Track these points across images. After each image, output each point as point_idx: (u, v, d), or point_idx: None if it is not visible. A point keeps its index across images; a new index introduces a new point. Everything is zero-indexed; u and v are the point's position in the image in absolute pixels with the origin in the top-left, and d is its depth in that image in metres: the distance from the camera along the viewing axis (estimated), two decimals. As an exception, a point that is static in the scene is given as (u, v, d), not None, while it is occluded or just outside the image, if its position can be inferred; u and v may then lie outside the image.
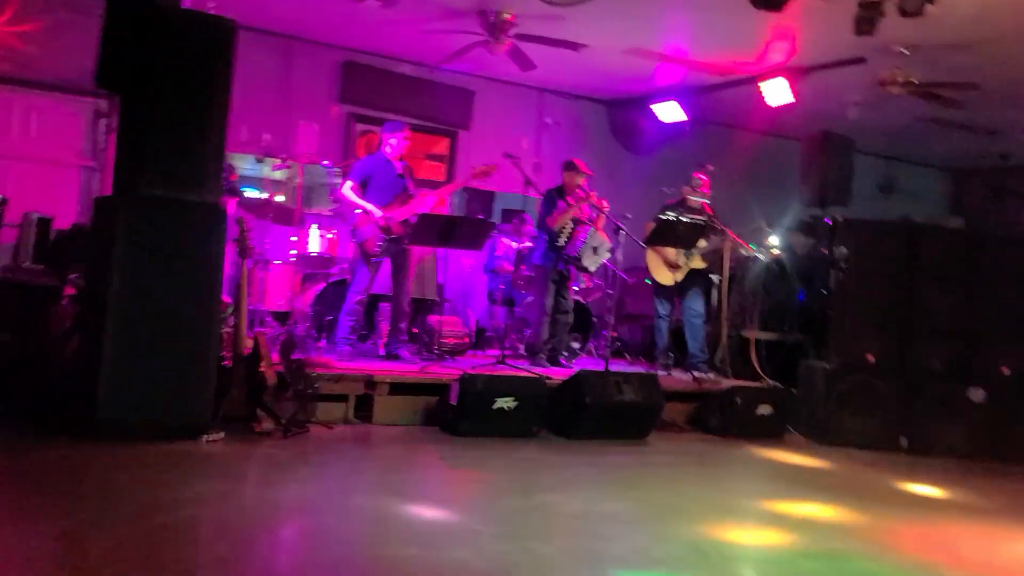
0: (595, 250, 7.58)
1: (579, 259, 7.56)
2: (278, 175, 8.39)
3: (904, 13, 5.80)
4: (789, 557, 4.13)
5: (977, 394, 7.24)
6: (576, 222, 7.59)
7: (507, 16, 7.41)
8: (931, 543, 4.60)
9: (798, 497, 5.37)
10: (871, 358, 7.32)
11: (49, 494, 4.07)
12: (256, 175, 8.93)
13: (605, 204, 7.57)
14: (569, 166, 7.74)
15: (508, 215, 9.49)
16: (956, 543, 4.65)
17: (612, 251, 7.57)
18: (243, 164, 8.65)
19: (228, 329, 6.04)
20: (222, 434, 5.28)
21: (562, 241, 7.55)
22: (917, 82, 7.92)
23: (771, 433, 7.24)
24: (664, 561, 3.90)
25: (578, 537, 4.20)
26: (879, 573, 3.94)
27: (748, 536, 4.46)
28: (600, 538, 4.15)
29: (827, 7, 6.32)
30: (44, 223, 6.91)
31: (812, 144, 8.26)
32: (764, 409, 7.22)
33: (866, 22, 5.97)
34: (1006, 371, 7.29)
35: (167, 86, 5.11)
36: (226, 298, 6.09)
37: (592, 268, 7.76)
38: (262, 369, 5.61)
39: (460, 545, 3.88)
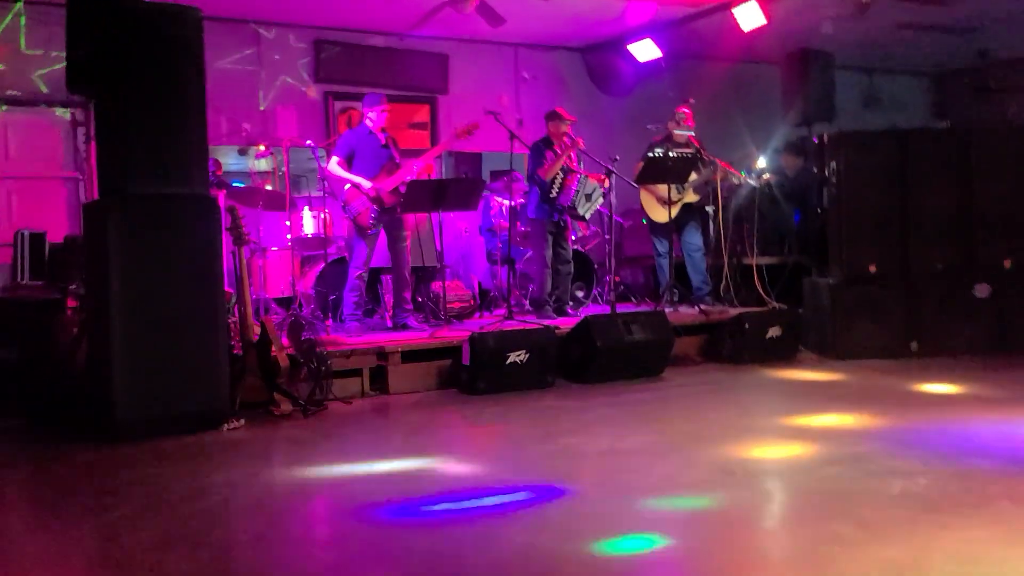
0: (588, 197, 7.58)
1: (574, 208, 7.56)
2: (263, 164, 8.38)
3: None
4: (814, 465, 4.19)
5: (982, 290, 7.27)
6: (566, 171, 7.59)
7: (471, -28, 7.34)
8: (952, 436, 4.65)
9: (816, 410, 5.42)
10: (873, 268, 7.34)
11: (79, 496, 4.12)
12: (241, 168, 8.93)
13: (580, 142, 7.56)
14: (552, 115, 7.72)
15: (497, 175, 9.47)
16: (978, 433, 4.70)
17: (605, 195, 7.57)
18: (227, 159, 8.64)
19: (233, 319, 6.08)
20: (242, 421, 5.33)
21: (555, 192, 7.55)
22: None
23: (783, 354, 7.29)
24: (692, 485, 3.95)
25: (606, 473, 4.25)
26: (904, 469, 3.98)
27: (772, 451, 4.52)
28: (627, 471, 4.20)
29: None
30: (36, 239, 6.92)
31: (791, 64, 8.23)
32: (774, 331, 7.27)
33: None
34: (1008, 264, 7.31)
35: (139, 83, 5.07)
36: (228, 289, 6.12)
37: (587, 216, 7.76)
38: (273, 353, 5.65)
39: (492, 495, 3.93)
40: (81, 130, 8.09)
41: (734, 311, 7.62)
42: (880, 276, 7.35)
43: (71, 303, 6.52)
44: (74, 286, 6.56)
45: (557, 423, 5.39)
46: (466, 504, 3.77)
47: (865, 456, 4.26)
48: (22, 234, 6.86)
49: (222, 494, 4.00)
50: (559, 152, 7.60)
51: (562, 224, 7.76)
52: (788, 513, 3.68)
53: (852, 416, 5.23)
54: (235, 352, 5.69)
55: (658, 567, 3.10)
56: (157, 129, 5.13)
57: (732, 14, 8.77)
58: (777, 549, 3.28)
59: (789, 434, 4.87)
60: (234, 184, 7.92)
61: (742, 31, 8.83)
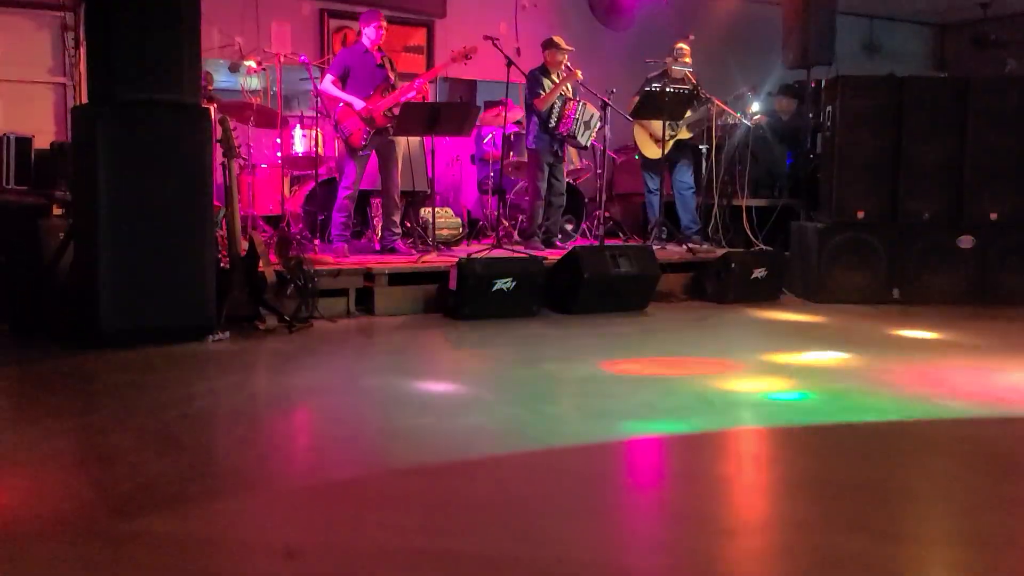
0: (587, 124, 7.56)
1: (574, 136, 7.53)
2: (255, 82, 8.23)
3: None
4: (790, 399, 4.26)
5: (966, 241, 7.32)
6: (564, 99, 7.53)
7: None
8: (926, 378, 4.74)
9: (796, 348, 5.50)
10: (861, 214, 7.37)
11: (65, 397, 4.16)
12: (232, 86, 8.78)
13: (578, 73, 7.51)
14: (549, 43, 7.63)
15: (491, 104, 9.38)
16: (950, 377, 4.79)
17: (602, 121, 7.54)
18: (218, 76, 8.49)
19: (221, 232, 6.06)
20: (227, 334, 5.35)
21: (553, 122, 7.50)
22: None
23: (767, 296, 7.35)
24: (671, 411, 4.03)
25: (585, 397, 4.32)
26: (877, 406, 4.07)
27: (750, 384, 4.59)
28: (607, 396, 4.27)
29: None
30: (22, 143, 6.83)
31: (792, 4, 8.11)
32: (759, 273, 7.30)
33: None
34: (994, 217, 7.35)
35: (132, -15, 4.98)
36: (217, 203, 6.09)
37: (587, 143, 7.74)
38: (261, 268, 5.65)
39: (472, 412, 4.00)
40: (70, 34, 7.92)
41: (721, 251, 7.66)
42: (868, 222, 7.38)
43: (56, 209, 6.49)
44: (61, 192, 6.52)
45: (540, 349, 5.45)
46: (446, 420, 3.83)
47: (840, 392, 4.34)
48: (7, 138, 6.76)
49: (205, 400, 4.05)
50: (556, 81, 7.54)
51: (559, 154, 7.73)
52: (760, 444, 3.76)
53: (830, 356, 5.31)
54: (222, 266, 5.68)
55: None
56: (148, 35, 5.04)
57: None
58: (743, 477, 3.36)
59: (767, 369, 4.95)
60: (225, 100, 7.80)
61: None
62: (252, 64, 7.84)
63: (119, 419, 3.71)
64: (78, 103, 7.66)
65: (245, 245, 5.73)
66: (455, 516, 2.78)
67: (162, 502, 2.81)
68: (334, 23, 9.13)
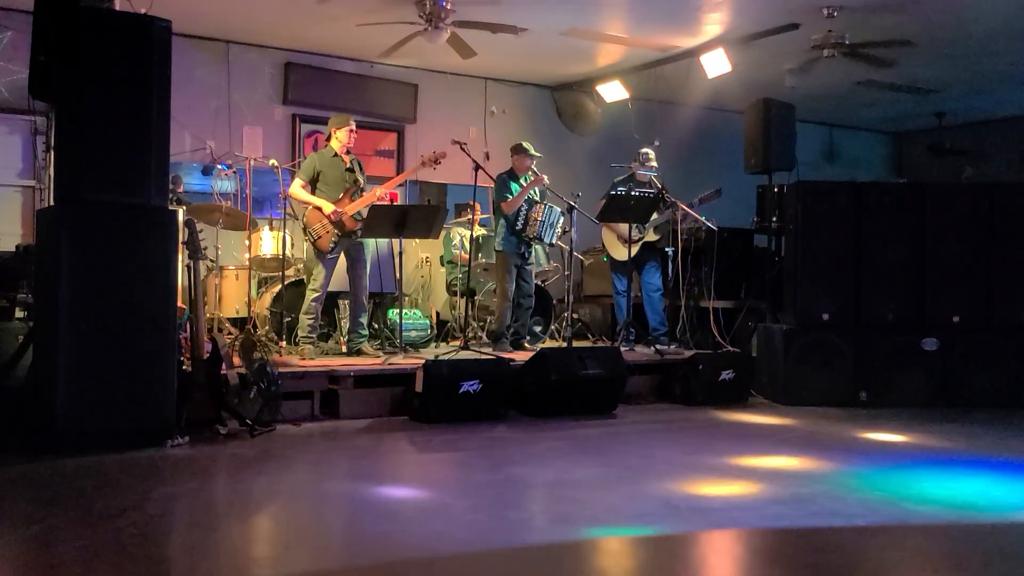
0: (552, 225, 7.69)
1: (540, 238, 7.64)
2: (226, 185, 8.31)
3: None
4: (757, 504, 4.20)
5: (931, 343, 7.39)
6: (530, 203, 7.65)
7: (445, 4, 7.41)
8: (894, 482, 4.70)
9: (763, 452, 5.46)
10: (826, 316, 7.45)
11: (13, 504, 4.01)
12: (204, 188, 8.85)
13: (544, 179, 7.67)
14: (518, 148, 7.80)
15: (461, 208, 9.51)
16: (917, 481, 4.76)
17: (566, 225, 7.67)
18: (190, 178, 8.56)
19: (185, 334, 6.00)
20: (187, 438, 5.23)
21: (520, 224, 7.60)
22: (848, 43, 8.08)
23: (735, 397, 7.34)
24: (636, 517, 3.96)
25: (550, 503, 4.25)
26: (845, 512, 4.02)
27: (717, 489, 4.54)
28: (572, 502, 4.19)
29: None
30: (-13, 245, 6.80)
31: (754, 113, 8.37)
32: (727, 374, 7.32)
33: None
34: (956, 319, 7.45)
35: (101, 90, 5.02)
36: (181, 305, 6.04)
37: (551, 240, 7.85)
38: (223, 371, 5.57)
39: (435, 519, 3.91)
40: (41, 139, 7.99)
41: (689, 353, 7.68)
42: (832, 324, 7.45)
43: (19, 312, 6.41)
44: (23, 294, 6.45)
45: (506, 453, 5.37)
46: (409, 527, 3.73)
47: (808, 497, 4.29)
48: (-27, 239, 6.73)
49: (158, 508, 3.93)
50: (523, 186, 7.67)
51: (526, 256, 7.80)
52: (725, 550, 3.68)
53: (798, 459, 5.28)
54: (184, 368, 5.60)
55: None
56: (117, 137, 5.07)
57: (699, 61, 8.97)
58: (715, 583, 3.29)
59: (734, 473, 4.89)
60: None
61: (708, 78, 9.04)
62: (224, 167, 7.92)
63: (68, 529, 3.57)
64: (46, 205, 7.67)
65: (209, 347, 5.67)
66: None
67: (105, 619, 2.68)
68: (306, 127, 9.30)
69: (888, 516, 3.99)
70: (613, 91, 10.05)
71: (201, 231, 5.84)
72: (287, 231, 7.53)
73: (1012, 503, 4.34)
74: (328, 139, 7.13)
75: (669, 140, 8.93)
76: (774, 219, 8.37)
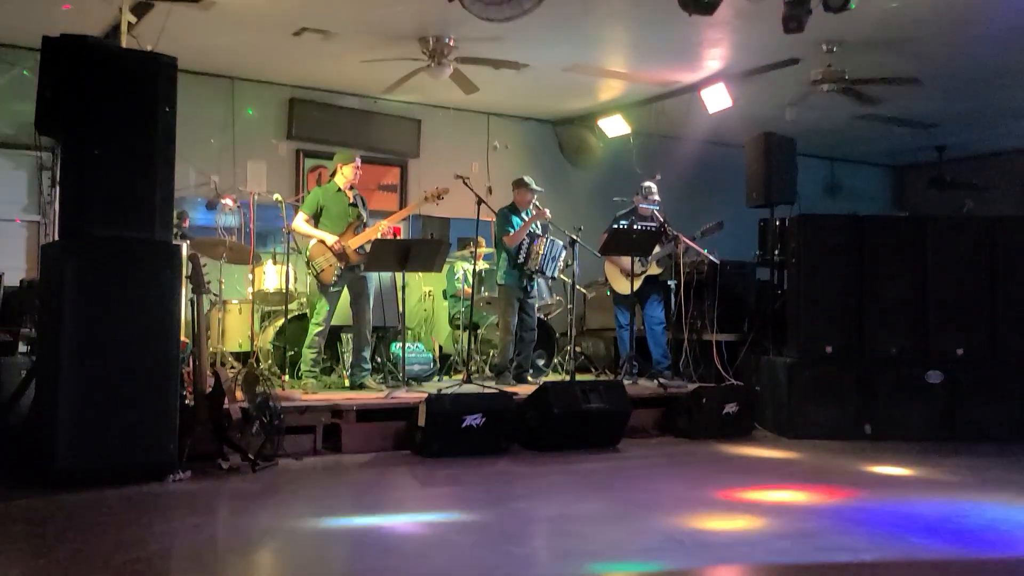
0: (554, 258, 7.70)
1: (542, 271, 7.66)
2: (231, 220, 8.34)
3: (828, 8, 5.98)
4: (763, 538, 4.17)
5: (935, 376, 7.37)
6: (532, 236, 7.68)
7: (448, 40, 7.50)
8: (900, 516, 4.67)
9: (768, 486, 5.43)
10: (829, 349, 7.44)
11: (13, 542, 3.99)
12: (208, 223, 8.88)
13: (546, 213, 7.70)
14: (520, 183, 7.84)
15: (464, 242, 9.54)
16: (924, 515, 4.72)
17: (568, 259, 7.69)
18: (195, 213, 8.60)
19: (188, 368, 5.99)
20: (188, 473, 5.21)
21: (522, 258, 7.62)
22: (849, 78, 8.14)
23: (739, 431, 7.31)
24: (640, 552, 3.93)
25: (554, 537, 4.22)
26: (851, 547, 3.99)
27: (721, 523, 4.50)
28: (575, 536, 4.17)
29: (756, 8, 6.49)
30: (-8, 280, 6.82)
31: (754, 146, 8.42)
32: (730, 408, 7.30)
33: (794, 20, 6.11)
34: (960, 352, 7.43)
35: (107, 126, 5.07)
36: (184, 339, 6.05)
37: (553, 274, 7.87)
38: (225, 405, 5.56)
39: (438, 554, 3.88)
40: (47, 174, 8.04)
41: (692, 386, 7.66)
42: (836, 357, 7.43)
43: (22, 347, 6.42)
44: (27, 329, 6.46)
45: (509, 487, 5.34)
46: (412, 563, 3.70)
47: (814, 532, 4.26)
48: (-24, 274, 6.75)
49: (159, 544, 3.90)
50: (525, 220, 7.70)
51: (529, 290, 7.81)
52: (734, 585, 3.66)
53: (803, 493, 5.25)
54: (187, 402, 5.59)
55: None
56: (122, 173, 5.11)
57: (700, 96, 9.04)
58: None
59: (740, 508, 4.86)
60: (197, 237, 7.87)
61: (709, 112, 9.12)
62: (228, 202, 7.95)
63: (67, 566, 3.55)
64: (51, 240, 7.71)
65: (212, 381, 5.66)
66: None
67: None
68: (310, 162, 9.37)
69: (894, 551, 3.95)
70: (615, 126, 10.13)
71: (205, 265, 5.86)
72: (290, 265, 7.55)
73: (1020, 538, 4.30)
74: (333, 174, 7.17)
75: (671, 174, 8.95)
76: (776, 252, 8.37)
